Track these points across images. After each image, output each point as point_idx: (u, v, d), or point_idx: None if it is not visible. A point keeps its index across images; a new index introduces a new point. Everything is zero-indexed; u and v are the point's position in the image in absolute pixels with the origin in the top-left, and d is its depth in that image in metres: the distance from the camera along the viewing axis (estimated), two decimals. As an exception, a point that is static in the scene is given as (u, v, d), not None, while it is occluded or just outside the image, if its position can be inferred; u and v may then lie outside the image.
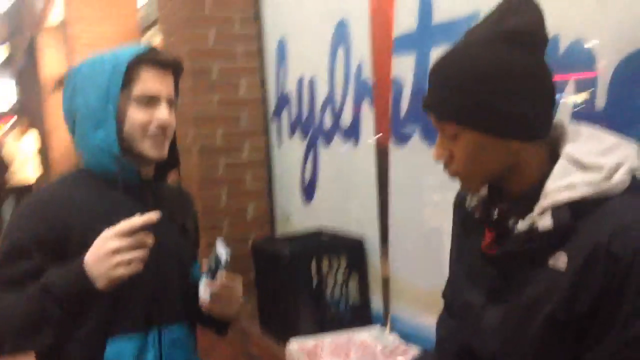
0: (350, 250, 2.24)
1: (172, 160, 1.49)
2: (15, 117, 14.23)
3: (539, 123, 1.04)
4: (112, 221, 1.29)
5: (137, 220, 1.24)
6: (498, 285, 1.12)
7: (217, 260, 1.36)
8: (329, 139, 2.40)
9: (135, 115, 1.36)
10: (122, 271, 1.23)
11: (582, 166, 1.00)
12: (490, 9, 1.05)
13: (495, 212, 1.12)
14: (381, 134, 2.06)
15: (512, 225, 1.08)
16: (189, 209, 1.60)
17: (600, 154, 1.00)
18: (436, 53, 1.78)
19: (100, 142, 1.35)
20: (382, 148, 2.06)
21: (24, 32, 10.36)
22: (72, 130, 1.41)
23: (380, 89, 2.05)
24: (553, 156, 1.05)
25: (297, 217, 2.76)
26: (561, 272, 0.97)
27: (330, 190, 2.47)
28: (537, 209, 1.01)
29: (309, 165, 2.58)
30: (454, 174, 1.09)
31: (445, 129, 1.06)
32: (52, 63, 8.25)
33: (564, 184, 0.99)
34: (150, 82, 1.36)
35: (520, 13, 1.02)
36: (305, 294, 2.21)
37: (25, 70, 11.59)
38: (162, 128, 1.37)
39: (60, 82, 7.18)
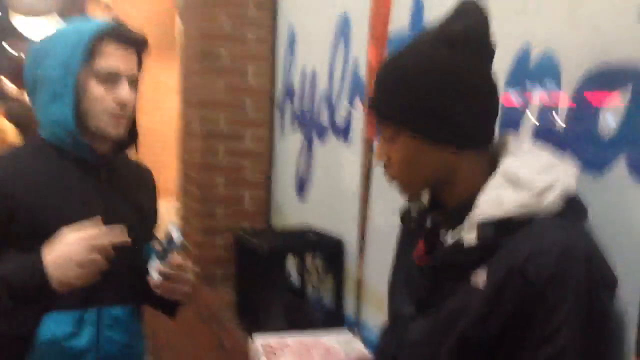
0: (329, 251, 2.18)
1: (131, 137, 1.48)
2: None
3: (474, 130, 1.00)
4: (62, 197, 1.35)
5: (107, 238, 1.25)
6: (426, 297, 1.11)
7: (170, 242, 1.36)
8: (323, 135, 2.34)
9: (95, 90, 1.35)
10: (80, 282, 1.25)
11: (516, 182, 0.96)
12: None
13: (428, 222, 1.09)
14: (369, 134, 1.99)
15: (443, 236, 1.06)
16: (146, 187, 1.58)
17: (535, 172, 0.97)
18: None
19: (56, 115, 1.34)
20: (369, 149, 1.98)
21: (76, 5, 10.64)
22: (32, 100, 1.40)
23: (372, 87, 1.98)
24: (493, 169, 1.01)
25: (290, 211, 2.71)
26: (478, 290, 0.95)
27: (320, 188, 2.41)
28: (466, 222, 0.99)
29: (303, 161, 2.52)
30: (391, 177, 1.08)
31: (385, 131, 1.05)
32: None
33: (494, 199, 0.96)
34: (112, 58, 1.35)
35: (464, 18, 1.00)
36: (280, 290, 2.17)
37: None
38: (122, 105, 1.36)
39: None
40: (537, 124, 1.25)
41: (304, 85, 2.51)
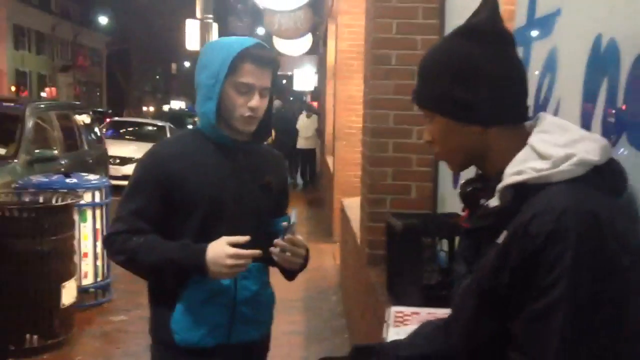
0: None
1: (265, 132, 1.93)
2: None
3: (496, 111, 1.14)
4: (205, 173, 1.79)
5: (248, 253, 1.70)
6: (470, 257, 1.26)
7: (289, 223, 1.77)
8: (470, 127, 2.48)
9: (233, 99, 1.76)
10: (224, 277, 1.75)
11: (539, 154, 1.08)
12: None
13: (468, 190, 1.25)
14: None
15: (482, 203, 1.22)
16: (276, 170, 1.97)
17: (558, 145, 1.07)
18: (537, 46, 1.80)
19: (206, 111, 1.78)
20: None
21: (324, 23, 11.73)
22: (196, 98, 1.84)
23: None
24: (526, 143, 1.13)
25: (449, 201, 2.89)
26: (496, 247, 1.07)
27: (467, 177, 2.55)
28: (496, 191, 1.12)
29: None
30: (435, 154, 1.27)
31: (424, 115, 1.23)
32: (332, 51, 9.24)
33: (516, 169, 1.09)
34: (248, 74, 1.75)
35: (479, 13, 1.16)
36: (413, 268, 2.37)
37: (322, 59, 13.08)
38: (252, 111, 1.77)
39: (334, 73, 8.07)
40: (604, 105, 1.31)
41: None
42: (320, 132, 13.19)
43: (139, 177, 1.83)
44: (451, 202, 2.85)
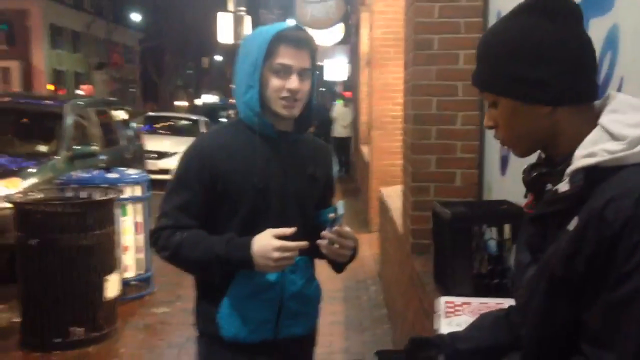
0: (517, 222, 2.25)
1: (308, 119, 1.86)
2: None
3: (564, 86, 1.08)
4: (249, 165, 1.75)
5: (295, 245, 1.66)
6: (536, 244, 1.21)
7: (337, 215, 1.72)
8: (519, 111, 2.40)
9: (272, 82, 1.72)
10: (271, 270, 1.71)
11: (611, 135, 1.03)
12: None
13: (533, 174, 1.19)
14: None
15: (547, 189, 1.16)
16: (321, 160, 1.92)
17: (631, 125, 1.02)
18: (595, 23, 1.72)
19: (248, 100, 1.74)
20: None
21: (355, 12, 11.66)
22: (236, 88, 1.80)
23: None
24: (596, 123, 1.08)
25: (495, 188, 2.81)
26: (568, 232, 1.03)
27: (518, 164, 2.47)
28: (565, 175, 1.07)
29: (505, 138, 2.61)
30: (500, 140, 1.21)
31: (487, 99, 1.18)
32: (365, 39, 9.16)
33: (588, 151, 1.04)
34: (285, 56, 1.71)
35: None
36: (473, 258, 2.31)
37: (354, 48, 12.99)
38: (292, 93, 1.71)
39: (368, 60, 7.99)
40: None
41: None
42: (354, 121, 13.25)
43: (183, 171, 1.80)
44: (498, 189, 2.77)
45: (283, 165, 1.80)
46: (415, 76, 2.94)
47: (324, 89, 25.30)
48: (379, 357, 1.47)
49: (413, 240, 3.09)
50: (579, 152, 1.04)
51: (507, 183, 2.62)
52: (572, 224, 1.01)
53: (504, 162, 2.65)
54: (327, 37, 13.62)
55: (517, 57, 1.08)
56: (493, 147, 2.85)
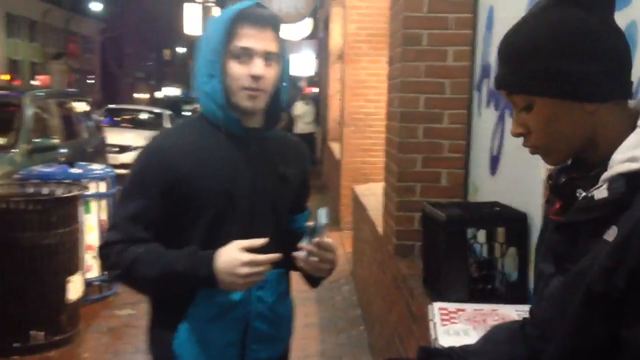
0: (511, 225, 2.18)
1: (277, 113, 1.62)
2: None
3: (609, 81, 1.00)
4: (214, 167, 1.52)
5: (266, 258, 1.44)
6: (563, 253, 1.12)
7: (317, 224, 1.49)
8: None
9: (232, 68, 1.49)
10: (239, 288, 1.48)
11: None
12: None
13: (563, 180, 1.10)
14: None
15: (579, 194, 1.07)
16: (295, 158, 1.70)
17: None
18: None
19: (210, 92, 1.50)
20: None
21: (324, 6, 11.54)
22: (195, 80, 1.57)
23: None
24: (634, 128, 1.00)
25: (483, 189, 2.74)
26: (607, 244, 0.94)
27: (509, 165, 2.41)
28: (601, 180, 0.99)
29: (497, 138, 2.53)
30: (533, 147, 1.10)
31: (517, 103, 1.07)
32: (336, 35, 9.05)
33: (628, 156, 0.96)
34: (245, 37, 1.48)
35: None
36: (464, 262, 2.23)
37: (323, 43, 12.89)
38: (255, 80, 1.49)
39: (340, 56, 7.90)
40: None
41: (499, 63, 2.51)
42: (320, 117, 13.21)
43: (137, 176, 1.55)
44: (486, 190, 2.70)
45: (252, 166, 1.57)
46: (404, 72, 2.84)
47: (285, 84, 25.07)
48: None
49: (397, 242, 2.99)
50: (618, 156, 0.96)
51: (498, 184, 2.55)
52: (611, 234, 0.93)
53: (494, 163, 2.57)
54: (295, 31, 13.48)
55: (554, 51, 0.98)
56: (480, 146, 2.78)
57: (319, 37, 14.00)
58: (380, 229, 3.61)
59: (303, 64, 17.64)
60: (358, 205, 5.08)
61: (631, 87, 1.02)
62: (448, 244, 2.23)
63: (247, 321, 1.57)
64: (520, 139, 1.11)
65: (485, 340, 1.38)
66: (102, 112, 14.61)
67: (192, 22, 10.16)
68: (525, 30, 1.03)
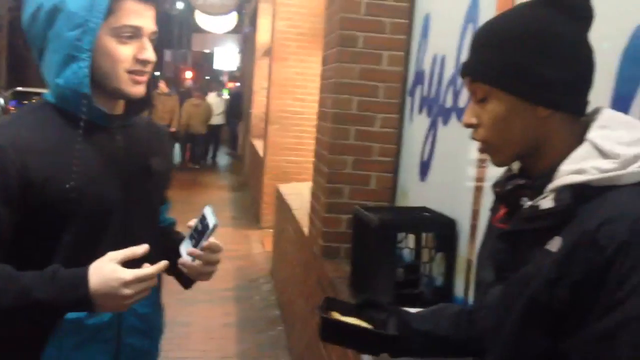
0: (442, 230, 2.21)
1: (146, 99, 1.40)
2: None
3: (568, 92, 1.00)
4: (77, 166, 1.25)
5: (155, 270, 1.22)
6: (505, 262, 1.12)
7: (204, 227, 1.33)
8: (447, 119, 2.37)
9: (115, 48, 1.26)
10: (122, 309, 1.24)
11: (601, 152, 0.96)
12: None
13: (509, 187, 1.10)
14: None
15: (524, 203, 1.08)
16: (161, 147, 1.51)
17: (624, 144, 0.96)
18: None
19: (70, 77, 1.25)
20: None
21: (251, 0, 11.39)
22: (39, 62, 1.31)
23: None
24: (583, 140, 1.01)
25: (412, 193, 2.77)
26: (551, 254, 0.95)
27: (440, 171, 2.45)
28: (547, 190, 0.99)
29: (428, 144, 2.57)
30: (481, 141, 1.09)
31: (476, 92, 1.06)
32: (264, 31, 8.96)
33: (576, 167, 0.96)
34: (133, 14, 1.27)
35: None
36: (392, 266, 2.24)
37: (248, 38, 12.74)
38: (145, 64, 1.30)
39: (267, 52, 7.82)
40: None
41: (433, 70, 2.55)
42: (238, 112, 13.66)
43: None
44: (415, 195, 2.74)
45: (121, 161, 1.35)
46: (339, 73, 2.83)
47: (207, 77, 24.81)
48: (328, 302, 1.35)
49: (324, 243, 2.98)
50: (566, 167, 0.97)
51: (427, 189, 2.59)
52: (554, 245, 0.94)
53: (424, 168, 2.61)
54: (220, 24, 13.25)
55: (525, 48, 0.98)
56: (410, 152, 2.82)
57: (244, 32, 13.83)
58: (305, 229, 3.58)
59: (226, 58, 17.37)
60: (282, 205, 5.04)
61: (586, 106, 1.03)
62: (378, 248, 2.23)
63: (118, 339, 1.37)
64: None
65: (431, 310, 1.37)
66: (9, 95, 13.79)
67: None
68: (506, 21, 1.03)
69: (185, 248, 1.35)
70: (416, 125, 2.75)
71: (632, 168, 0.92)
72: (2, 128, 1.29)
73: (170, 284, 1.53)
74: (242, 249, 6.40)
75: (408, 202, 2.80)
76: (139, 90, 1.32)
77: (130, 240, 1.26)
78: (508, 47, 0.99)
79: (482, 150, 1.10)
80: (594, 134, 0.98)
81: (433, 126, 2.52)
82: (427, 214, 2.36)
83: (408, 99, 2.88)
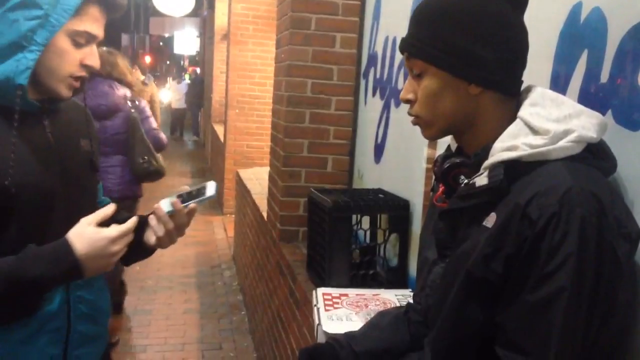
0: (394, 212, 2.23)
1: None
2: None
3: (501, 71, 1.02)
4: (15, 158, 1.23)
5: (131, 224, 1.27)
6: (446, 240, 1.14)
7: (200, 193, 1.35)
8: (399, 100, 2.38)
9: (68, 50, 1.26)
10: (109, 269, 1.28)
11: (532, 129, 0.99)
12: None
13: (445, 166, 1.12)
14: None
15: (462, 181, 1.10)
16: (86, 127, 1.49)
17: (554, 120, 0.98)
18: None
19: (8, 65, 1.20)
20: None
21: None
22: None
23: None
24: (515, 118, 1.04)
25: (368, 176, 2.79)
26: (486, 230, 0.97)
27: (393, 153, 2.47)
28: (482, 167, 1.02)
29: (381, 126, 2.59)
30: (415, 116, 1.11)
31: (413, 68, 1.08)
32: (222, 14, 8.84)
33: (508, 144, 0.99)
34: (93, 21, 1.28)
35: None
36: (347, 248, 2.26)
37: (207, 22, 12.54)
38: (88, 69, 1.30)
39: (225, 36, 7.71)
40: (583, 80, 1.24)
41: (385, 52, 2.56)
42: (197, 97, 13.83)
43: None
44: (370, 177, 2.75)
45: (51, 146, 1.33)
46: (292, 56, 2.81)
47: (168, 62, 24.47)
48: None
49: (282, 227, 2.98)
50: (499, 144, 1.00)
51: (381, 171, 2.61)
52: (490, 221, 0.97)
53: (379, 151, 2.63)
54: (177, 7, 12.99)
55: (465, 28, 1.00)
56: (365, 134, 2.83)
57: (203, 15, 13.62)
58: (265, 213, 3.58)
59: (186, 42, 17.07)
60: (242, 190, 5.01)
61: (519, 86, 1.06)
62: (333, 230, 2.24)
63: (68, 327, 1.36)
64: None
65: (369, 325, 1.40)
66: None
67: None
68: (439, 0, 1.04)
69: (168, 200, 1.35)
70: (370, 108, 2.76)
71: (562, 143, 0.95)
72: None
73: (132, 272, 1.50)
74: (204, 235, 6.36)
75: (364, 184, 2.82)
76: (70, 94, 1.32)
77: (76, 221, 1.26)
78: (443, 24, 1.01)
79: (414, 123, 1.12)
80: (525, 111, 1.01)
81: (386, 108, 2.53)
82: (381, 195, 2.38)
83: (362, 81, 2.88)
